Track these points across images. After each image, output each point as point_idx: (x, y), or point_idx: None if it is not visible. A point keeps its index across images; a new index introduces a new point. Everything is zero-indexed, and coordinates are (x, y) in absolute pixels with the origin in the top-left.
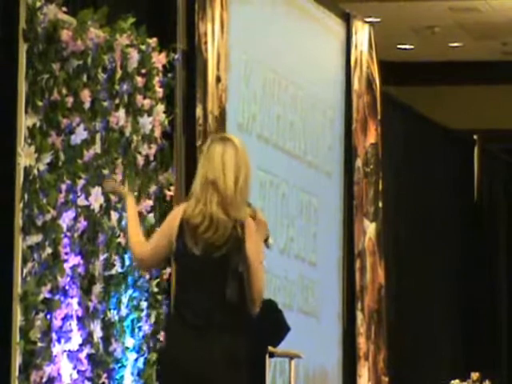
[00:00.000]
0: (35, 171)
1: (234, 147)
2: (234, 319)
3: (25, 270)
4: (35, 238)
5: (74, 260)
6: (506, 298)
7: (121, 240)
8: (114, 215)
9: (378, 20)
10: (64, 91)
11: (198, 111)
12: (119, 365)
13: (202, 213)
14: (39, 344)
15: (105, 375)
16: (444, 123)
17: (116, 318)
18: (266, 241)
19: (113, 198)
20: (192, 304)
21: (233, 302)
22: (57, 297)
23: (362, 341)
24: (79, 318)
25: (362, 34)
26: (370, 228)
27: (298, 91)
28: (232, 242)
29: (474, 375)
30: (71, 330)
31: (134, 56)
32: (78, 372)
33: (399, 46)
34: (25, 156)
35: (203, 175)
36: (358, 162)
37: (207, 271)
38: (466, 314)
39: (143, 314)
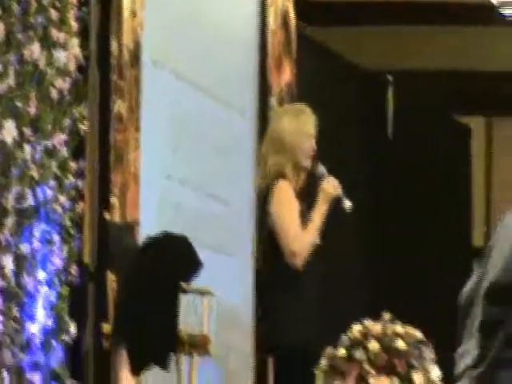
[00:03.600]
0: None
1: (283, 111)
2: None
3: None
4: None
5: None
6: (416, 240)
7: (34, 173)
8: (28, 148)
9: None
10: None
11: (113, 46)
12: (31, 298)
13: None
14: None
15: (16, 308)
16: (358, 63)
17: (28, 251)
18: (339, 204)
19: (26, 131)
20: None
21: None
22: None
23: None
24: None
25: None
26: None
27: (212, 27)
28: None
29: (386, 315)
30: None
31: None
32: None
33: None
34: None
35: None
36: (273, 101)
37: None
38: (376, 252)
39: (55, 247)
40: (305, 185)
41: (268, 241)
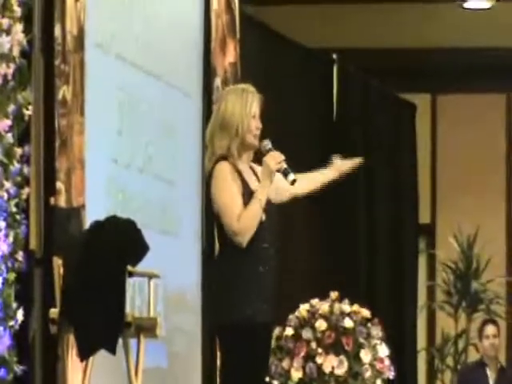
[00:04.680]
0: None
1: (229, 92)
2: None
3: None
4: None
5: None
6: (363, 219)
7: None
8: None
9: None
10: None
11: (57, 31)
12: None
13: None
14: None
15: None
16: (303, 43)
17: None
18: (285, 177)
19: None
20: None
21: None
22: None
23: None
24: None
25: None
26: None
27: (156, 10)
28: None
29: (334, 294)
30: None
31: None
32: None
33: None
34: None
35: None
36: (217, 82)
37: None
38: (323, 231)
39: (1, 233)
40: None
41: (215, 221)
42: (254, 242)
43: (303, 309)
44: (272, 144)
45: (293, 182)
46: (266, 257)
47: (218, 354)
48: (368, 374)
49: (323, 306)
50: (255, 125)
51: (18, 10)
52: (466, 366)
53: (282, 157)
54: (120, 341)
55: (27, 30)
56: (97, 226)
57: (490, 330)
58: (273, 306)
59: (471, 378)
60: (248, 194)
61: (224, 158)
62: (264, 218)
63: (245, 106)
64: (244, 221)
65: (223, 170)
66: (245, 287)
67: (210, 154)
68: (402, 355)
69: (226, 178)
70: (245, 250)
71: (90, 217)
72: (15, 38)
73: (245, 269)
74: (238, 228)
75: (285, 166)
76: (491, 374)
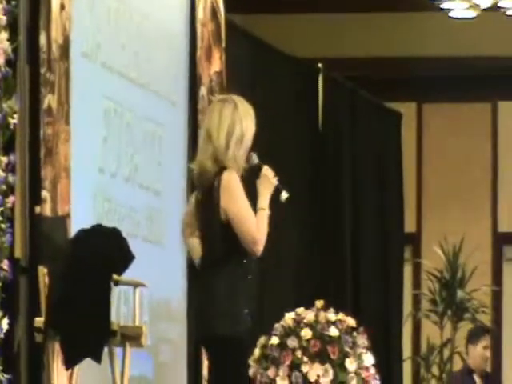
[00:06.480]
0: None
1: (232, 104)
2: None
3: None
4: None
5: None
6: (348, 227)
7: None
8: None
9: None
10: None
11: (42, 39)
12: None
13: (198, 162)
14: None
15: None
16: (288, 52)
17: None
18: (278, 194)
19: None
20: None
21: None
22: None
23: None
24: None
25: None
26: None
27: (142, 20)
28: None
29: (319, 303)
30: None
31: None
32: None
33: None
34: None
35: (204, 129)
36: (203, 90)
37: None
38: (309, 241)
39: None
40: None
41: (207, 231)
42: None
43: (289, 317)
44: (257, 153)
45: (286, 199)
46: (254, 270)
47: (205, 363)
48: (353, 382)
49: (309, 315)
50: (248, 139)
51: (3, 19)
52: (455, 374)
53: (273, 172)
54: (105, 349)
55: (12, 39)
56: (82, 234)
57: (486, 340)
58: (259, 317)
59: None
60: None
61: (227, 167)
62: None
63: (253, 123)
64: (262, 230)
65: (236, 179)
66: (233, 300)
67: (201, 161)
68: (388, 364)
69: (240, 188)
70: (235, 262)
71: (75, 226)
72: (0, 47)
73: (233, 281)
74: (260, 237)
75: (277, 182)
76: (478, 381)
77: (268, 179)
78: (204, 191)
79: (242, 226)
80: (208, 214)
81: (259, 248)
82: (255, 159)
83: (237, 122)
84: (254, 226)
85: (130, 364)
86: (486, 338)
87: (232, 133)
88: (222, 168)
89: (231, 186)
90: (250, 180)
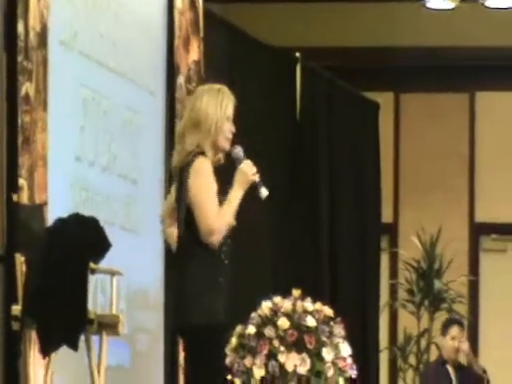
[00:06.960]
0: None
1: (214, 91)
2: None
3: None
4: None
5: None
6: (325, 217)
7: None
8: None
9: None
10: None
11: (20, 27)
12: None
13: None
14: None
15: None
16: (266, 41)
17: None
18: (257, 191)
19: None
20: None
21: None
22: None
23: None
24: None
25: None
26: None
27: (120, 8)
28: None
29: (296, 292)
30: None
31: None
32: None
33: None
34: None
35: (185, 117)
36: (181, 79)
37: None
38: (286, 231)
39: None
40: (220, 166)
41: (179, 216)
42: (220, 244)
43: (266, 306)
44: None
45: (265, 197)
46: (229, 259)
47: (182, 353)
48: (330, 372)
49: (286, 304)
50: (229, 127)
51: None
52: (429, 365)
53: (255, 169)
54: (82, 338)
55: None
56: (59, 223)
57: (454, 331)
58: (236, 306)
59: (435, 377)
60: (218, 196)
61: (201, 153)
62: (234, 223)
63: (220, 106)
64: (220, 221)
65: (206, 165)
66: (209, 289)
67: (180, 149)
68: (365, 354)
69: (209, 175)
70: (210, 251)
71: (52, 214)
72: None
73: (209, 270)
74: (216, 227)
75: (258, 179)
76: (452, 371)
77: (244, 174)
78: (180, 178)
79: (198, 211)
80: (179, 199)
81: (213, 239)
82: (239, 152)
83: (193, 105)
84: (213, 214)
85: (106, 352)
86: (454, 328)
87: (187, 117)
88: (198, 153)
89: (201, 170)
90: (230, 171)
